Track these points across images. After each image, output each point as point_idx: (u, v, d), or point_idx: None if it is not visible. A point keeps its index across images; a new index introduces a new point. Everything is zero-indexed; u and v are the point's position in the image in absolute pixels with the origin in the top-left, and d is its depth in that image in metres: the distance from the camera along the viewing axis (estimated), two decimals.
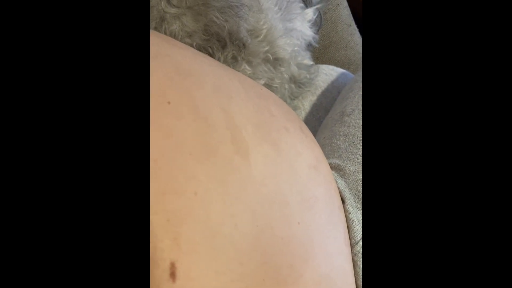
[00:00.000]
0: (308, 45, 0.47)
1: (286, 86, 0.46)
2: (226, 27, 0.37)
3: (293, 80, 0.47)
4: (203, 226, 0.20)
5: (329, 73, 0.54)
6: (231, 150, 0.23)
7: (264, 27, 0.40)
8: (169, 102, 0.23)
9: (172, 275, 0.20)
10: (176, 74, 0.24)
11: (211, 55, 0.39)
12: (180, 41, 0.37)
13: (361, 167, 0.37)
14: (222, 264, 0.20)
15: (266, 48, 0.40)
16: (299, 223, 0.24)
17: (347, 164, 0.39)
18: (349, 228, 0.33)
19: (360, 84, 0.44)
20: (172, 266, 0.20)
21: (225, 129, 0.24)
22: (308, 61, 0.47)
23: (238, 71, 0.38)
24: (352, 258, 0.32)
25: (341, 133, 0.42)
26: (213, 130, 0.23)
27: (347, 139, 0.41)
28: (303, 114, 0.52)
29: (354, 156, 0.39)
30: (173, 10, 0.36)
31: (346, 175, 0.38)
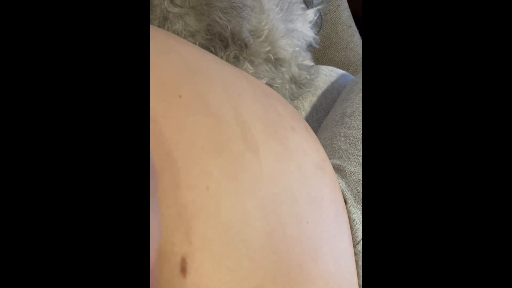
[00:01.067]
0: (309, 45, 0.47)
1: (287, 86, 0.46)
2: (229, 27, 0.37)
3: (294, 80, 0.47)
4: (215, 222, 0.20)
5: (329, 74, 0.55)
6: (242, 147, 0.23)
7: (265, 27, 0.40)
8: (180, 96, 0.22)
9: (183, 270, 0.19)
10: (186, 70, 0.24)
11: (214, 54, 0.39)
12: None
13: (361, 168, 0.37)
14: (233, 261, 0.20)
15: (268, 48, 0.41)
16: (308, 222, 0.24)
17: (347, 165, 0.39)
18: (350, 228, 0.33)
19: (360, 86, 0.45)
20: (183, 261, 0.19)
21: (235, 126, 0.24)
22: (308, 62, 0.47)
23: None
24: None
25: (341, 134, 0.42)
26: (224, 126, 0.23)
27: (347, 140, 0.41)
28: (303, 114, 0.52)
29: (355, 157, 0.39)
30: (176, 10, 0.36)
31: (347, 175, 0.38)
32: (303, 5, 0.46)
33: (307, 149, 0.28)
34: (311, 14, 0.46)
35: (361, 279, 0.32)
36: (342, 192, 0.35)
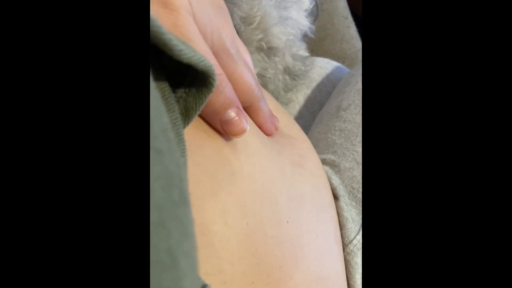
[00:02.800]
0: (304, 35, 0.45)
1: (280, 77, 0.44)
2: None
3: (288, 71, 0.45)
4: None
5: (324, 66, 0.53)
6: (220, 141, 0.22)
7: (257, 14, 0.38)
8: None
9: None
10: None
11: None
12: None
13: (356, 163, 0.36)
14: (212, 265, 0.18)
15: (260, 36, 0.39)
16: (288, 222, 0.23)
17: (342, 160, 0.38)
18: (342, 226, 0.31)
19: (356, 79, 0.43)
20: None
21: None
22: (303, 52, 0.45)
23: None
24: (345, 257, 0.31)
25: (336, 128, 0.41)
26: (200, 120, 0.22)
27: (342, 134, 0.40)
28: (297, 107, 0.50)
29: (350, 152, 0.38)
30: None
31: (341, 171, 0.37)
32: None
33: (280, 148, 0.27)
34: (307, 2, 0.44)
35: (353, 279, 0.31)
36: (336, 189, 0.34)
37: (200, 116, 0.22)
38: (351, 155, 0.38)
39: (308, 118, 0.49)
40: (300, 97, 0.50)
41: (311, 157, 0.31)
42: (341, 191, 0.34)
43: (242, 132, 0.21)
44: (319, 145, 0.39)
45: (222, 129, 0.21)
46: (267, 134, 0.27)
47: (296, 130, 0.32)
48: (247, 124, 0.21)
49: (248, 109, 0.25)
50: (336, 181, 0.35)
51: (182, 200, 0.14)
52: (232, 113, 0.21)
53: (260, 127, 0.26)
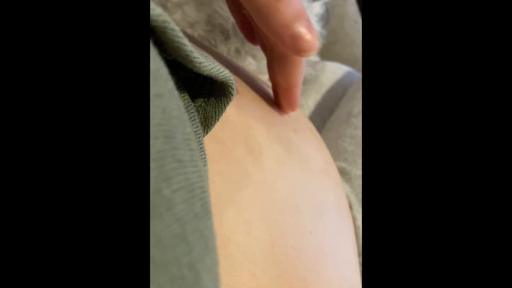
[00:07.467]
0: None
1: None
2: (231, 19, 0.35)
3: None
4: (216, 233, 0.18)
5: (334, 71, 0.52)
6: (244, 150, 0.21)
7: None
8: None
9: None
10: None
11: (214, 46, 0.36)
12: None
13: None
14: (234, 277, 0.18)
15: None
16: (310, 231, 0.23)
17: (353, 168, 0.38)
18: (356, 236, 0.31)
19: None
20: None
21: (238, 127, 0.22)
22: (313, 57, 0.45)
23: (242, 65, 0.36)
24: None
25: (347, 135, 0.40)
26: (226, 127, 0.21)
27: (353, 142, 0.40)
28: (307, 112, 0.50)
29: (361, 160, 0.38)
30: None
31: (352, 179, 0.37)
32: None
33: (310, 152, 0.26)
34: (318, 7, 0.44)
35: None
36: (347, 197, 0.33)
37: (219, 123, 0.22)
38: None
39: (318, 124, 0.49)
40: (310, 102, 0.50)
41: (334, 165, 0.30)
42: (352, 199, 0.34)
43: (314, 47, 0.19)
44: (330, 152, 0.39)
45: (292, 45, 0.19)
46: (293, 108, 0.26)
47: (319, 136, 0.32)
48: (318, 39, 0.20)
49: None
50: (347, 189, 0.34)
51: (204, 212, 0.13)
52: (303, 26, 0.19)
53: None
